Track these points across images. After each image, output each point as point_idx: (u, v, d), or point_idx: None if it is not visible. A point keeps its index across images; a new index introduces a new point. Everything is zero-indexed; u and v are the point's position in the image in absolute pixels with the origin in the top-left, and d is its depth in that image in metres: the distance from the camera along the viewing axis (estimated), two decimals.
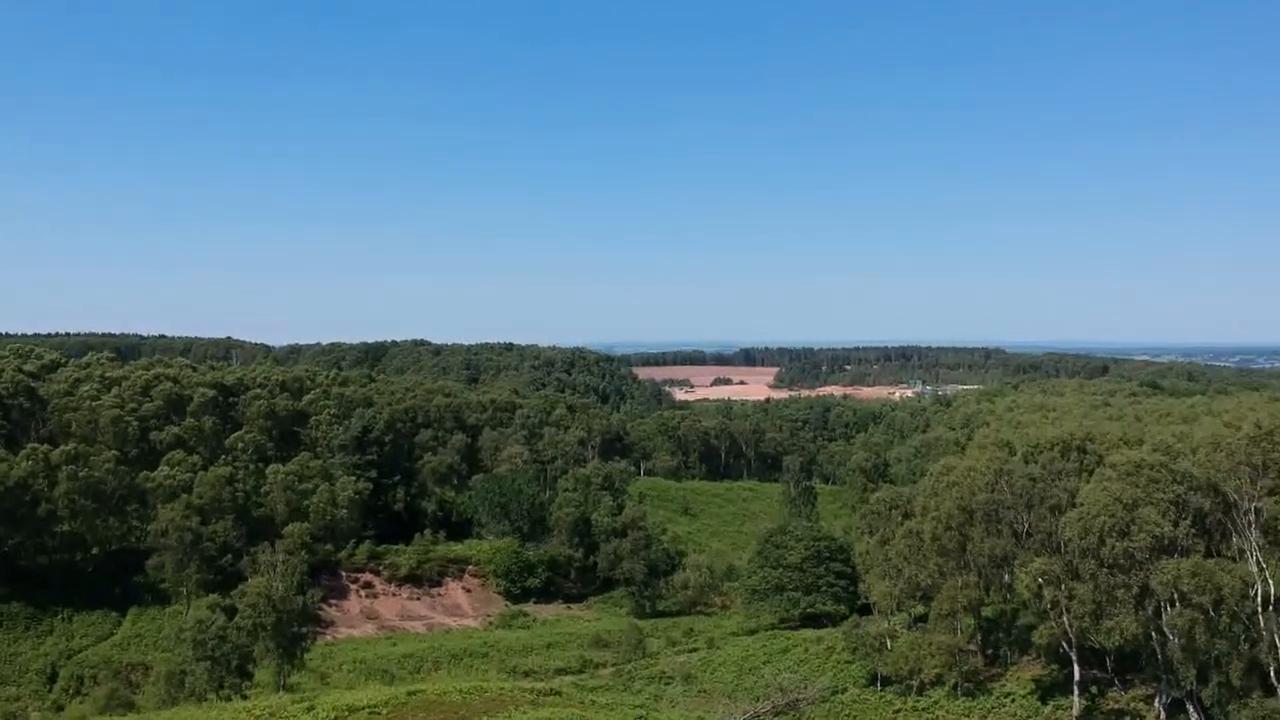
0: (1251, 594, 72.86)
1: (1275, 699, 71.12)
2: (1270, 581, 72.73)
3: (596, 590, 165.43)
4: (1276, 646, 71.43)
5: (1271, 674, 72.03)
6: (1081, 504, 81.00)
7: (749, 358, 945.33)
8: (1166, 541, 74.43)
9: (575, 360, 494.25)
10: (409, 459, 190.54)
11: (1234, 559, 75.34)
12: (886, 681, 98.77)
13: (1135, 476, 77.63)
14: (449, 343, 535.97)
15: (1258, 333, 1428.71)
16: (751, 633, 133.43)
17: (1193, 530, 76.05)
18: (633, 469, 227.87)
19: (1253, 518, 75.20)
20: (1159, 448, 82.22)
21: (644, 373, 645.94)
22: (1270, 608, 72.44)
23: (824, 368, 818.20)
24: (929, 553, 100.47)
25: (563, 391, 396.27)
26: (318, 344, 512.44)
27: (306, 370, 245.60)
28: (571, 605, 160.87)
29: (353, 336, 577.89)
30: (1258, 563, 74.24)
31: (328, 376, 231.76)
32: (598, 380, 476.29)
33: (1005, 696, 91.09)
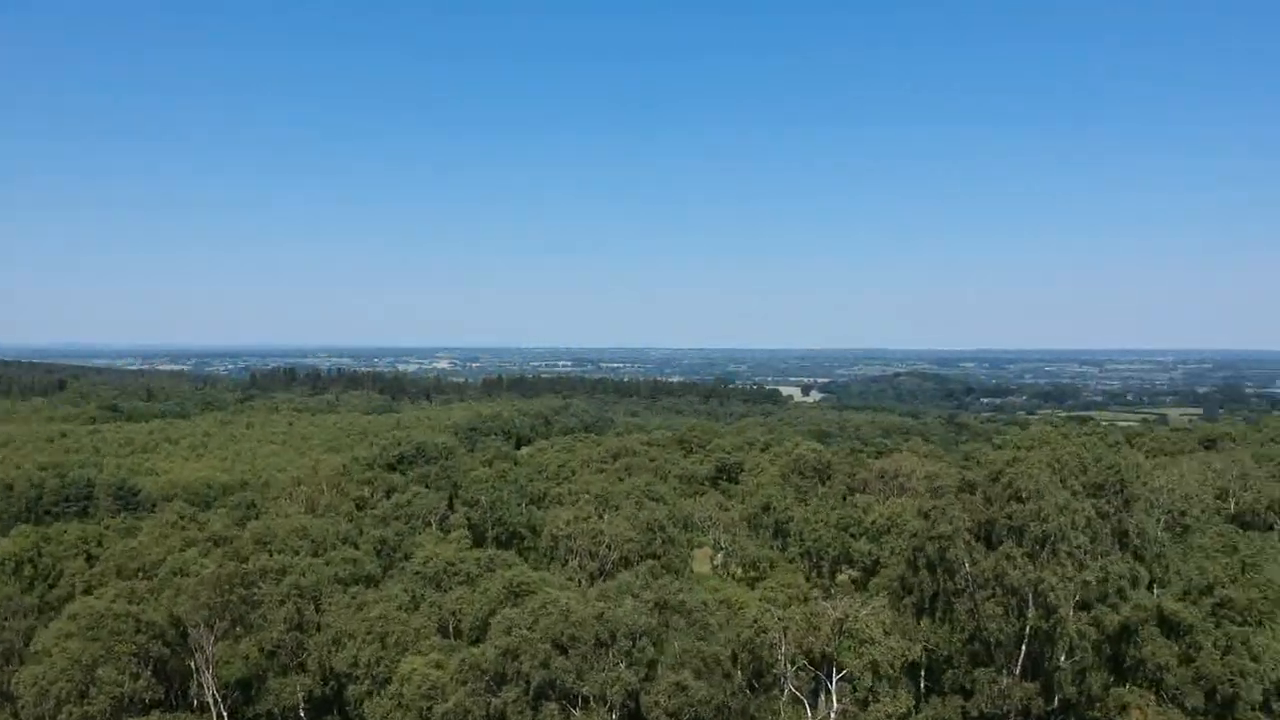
0: None
1: None
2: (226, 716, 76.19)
3: None
4: None
5: None
6: (40, 653, 75.70)
7: None
8: (128, 699, 73.20)
9: None
10: None
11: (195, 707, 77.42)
12: None
13: (98, 630, 74.97)
14: None
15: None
16: None
17: (154, 680, 76.04)
18: None
19: (208, 658, 78.10)
20: (123, 593, 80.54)
21: None
22: None
23: None
24: None
25: None
26: None
27: None
28: None
29: None
30: (214, 699, 77.49)
31: None
32: None
33: None
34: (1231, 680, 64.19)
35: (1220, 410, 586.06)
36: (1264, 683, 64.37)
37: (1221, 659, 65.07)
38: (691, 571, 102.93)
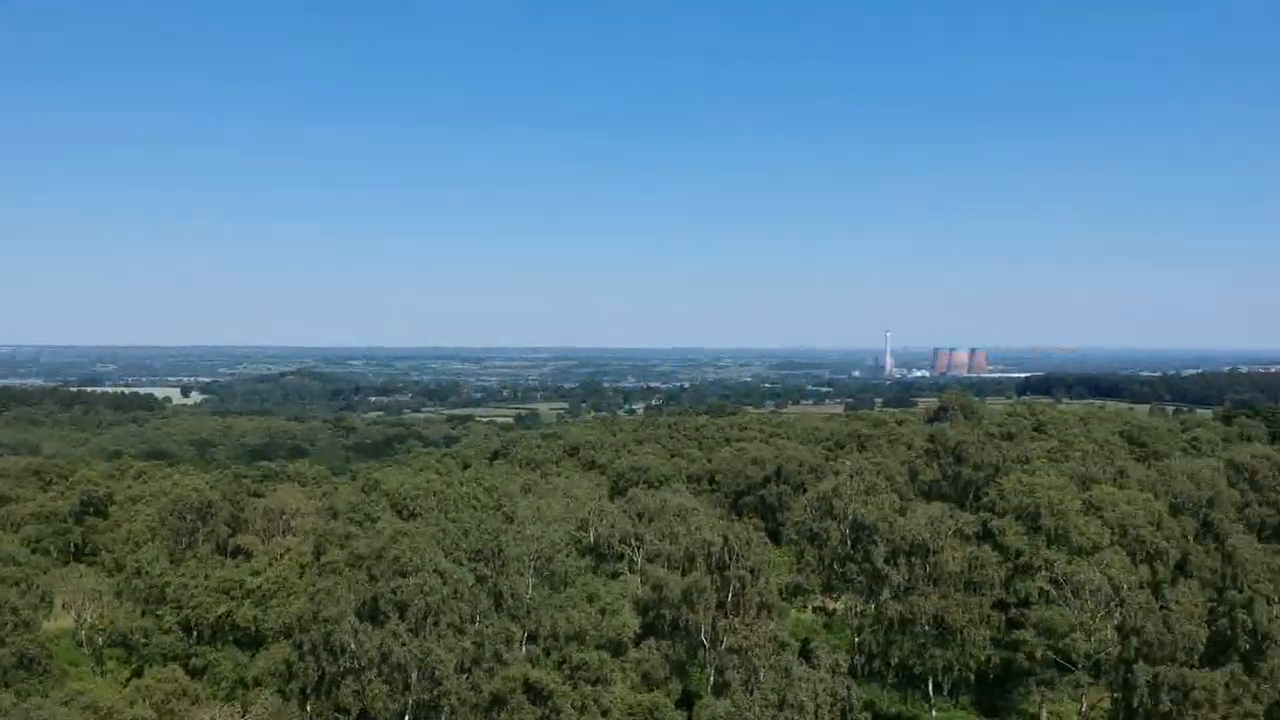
0: None
1: None
2: None
3: None
4: None
5: None
6: None
7: None
8: None
9: None
10: None
11: None
12: None
13: None
14: None
15: None
16: None
17: None
18: None
19: None
20: None
21: None
22: None
23: None
24: None
25: None
26: None
27: None
28: None
29: None
30: None
31: None
32: None
33: None
34: None
35: (583, 404, 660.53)
36: None
37: (579, 717, 72.22)
38: (51, 657, 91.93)
